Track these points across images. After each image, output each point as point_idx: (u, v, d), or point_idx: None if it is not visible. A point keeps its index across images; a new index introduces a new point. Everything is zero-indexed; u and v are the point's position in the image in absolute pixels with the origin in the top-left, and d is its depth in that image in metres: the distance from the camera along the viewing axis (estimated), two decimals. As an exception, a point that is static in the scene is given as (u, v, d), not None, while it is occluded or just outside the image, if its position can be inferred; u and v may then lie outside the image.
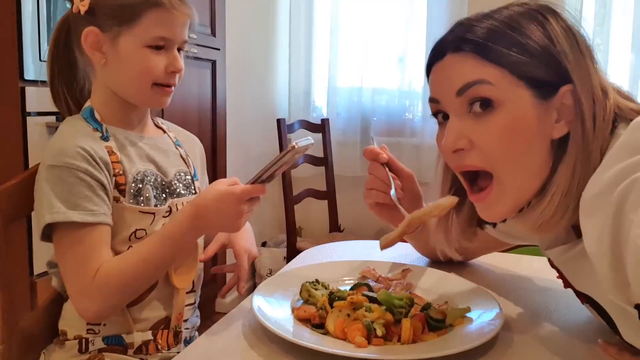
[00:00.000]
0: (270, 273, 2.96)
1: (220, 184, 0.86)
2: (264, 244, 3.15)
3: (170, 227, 0.88)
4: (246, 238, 1.08)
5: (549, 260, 0.82)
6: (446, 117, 0.73)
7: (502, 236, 0.92)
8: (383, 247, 0.80)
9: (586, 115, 0.67)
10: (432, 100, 0.74)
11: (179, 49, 0.96)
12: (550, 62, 0.68)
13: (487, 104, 0.68)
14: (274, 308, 0.81)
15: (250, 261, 1.06)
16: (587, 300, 0.75)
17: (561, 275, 0.81)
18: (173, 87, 0.97)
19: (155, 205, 0.95)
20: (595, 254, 0.61)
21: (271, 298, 0.84)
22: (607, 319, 0.73)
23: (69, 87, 1.00)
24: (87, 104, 0.97)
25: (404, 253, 1.16)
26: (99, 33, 0.92)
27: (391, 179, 0.91)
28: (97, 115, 0.95)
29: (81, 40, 0.92)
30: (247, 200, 0.85)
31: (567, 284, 0.80)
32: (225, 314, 0.85)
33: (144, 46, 0.91)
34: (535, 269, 1.07)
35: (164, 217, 0.96)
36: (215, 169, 2.42)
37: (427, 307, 0.79)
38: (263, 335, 0.76)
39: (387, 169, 0.92)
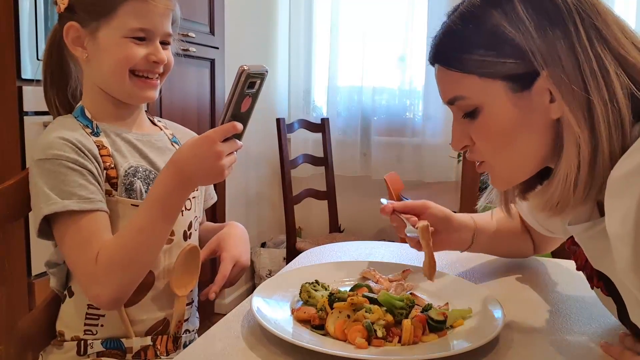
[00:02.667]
0: (269, 274, 2.96)
1: (194, 136, 0.86)
2: (263, 245, 3.15)
3: (154, 190, 0.87)
4: (237, 245, 1.04)
5: (568, 240, 0.81)
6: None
7: (536, 225, 0.97)
8: (432, 278, 0.85)
9: (568, 98, 0.65)
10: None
11: (165, 43, 0.95)
12: (516, 52, 0.66)
13: (470, 114, 0.72)
14: (273, 309, 0.81)
15: (238, 270, 1.01)
16: (601, 281, 0.74)
17: (576, 257, 0.80)
18: (158, 82, 0.96)
19: None
20: (617, 236, 0.60)
21: (270, 299, 0.83)
22: (618, 303, 0.72)
23: (60, 93, 1.00)
24: (79, 104, 0.97)
25: (404, 254, 1.15)
26: (79, 28, 0.92)
27: (404, 219, 0.92)
28: (87, 113, 0.95)
29: (63, 37, 0.93)
30: (224, 142, 0.82)
31: (579, 267, 0.79)
32: (224, 315, 0.84)
33: (123, 37, 0.91)
34: (537, 269, 1.06)
35: None
36: (215, 168, 2.41)
37: (427, 308, 0.79)
38: (262, 336, 0.75)
39: (400, 215, 0.93)
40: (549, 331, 0.80)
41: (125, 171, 0.93)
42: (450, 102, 0.74)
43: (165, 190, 0.85)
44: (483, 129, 0.72)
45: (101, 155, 0.91)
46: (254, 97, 0.83)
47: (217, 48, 2.37)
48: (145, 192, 0.94)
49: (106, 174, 0.91)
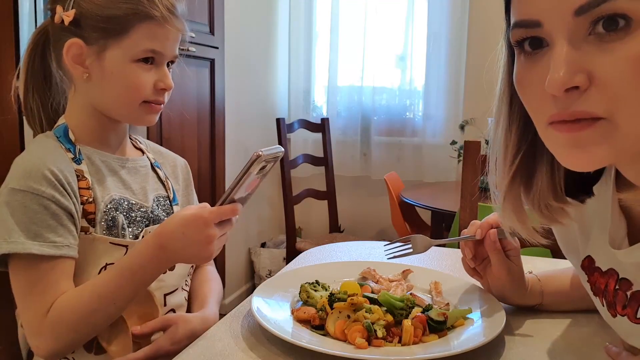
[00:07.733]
0: (269, 274, 2.96)
1: (187, 209, 0.80)
2: (263, 245, 3.15)
3: (129, 258, 0.80)
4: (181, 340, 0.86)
5: (585, 260, 0.71)
6: (537, 45, 0.52)
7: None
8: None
9: None
10: (526, 25, 0.52)
11: (168, 65, 0.91)
12: None
13: (616, 24, 0.47)
14: (273, 309, 0.81)
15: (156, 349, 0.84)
16: (629, 307, 0.63)
17: (594, 279, 0.69)
18: (162, 105, 0.91)
19: (132, 236, 0.89)
20: None
21: (270, 299, 0.83)
22: None
23: (44, 104, 0.93)
24: (62, 121, 0.91)
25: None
26: (83, 45, 0.85)
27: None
28: (71, 135, 0.88)
29: (62, 53, 0.86)
30: (217, 224, 0.78)
31: (598, 292, 0.69)
32: (224, 315, 0.84)
33: (132, 61, 0.85)
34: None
35: None
36: (214, 169, 2.41)
37: (428, 308, 0.79)
38: (262, 336, 0.76)
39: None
40: (549, 331, 0.80)
41: (107, 205, 0.87)
42: (592, 5, 0.47)
43: (140, 260, 0.80)
44: (635, 58, 0.47)
45: (79, 188, 0.84)
46: (263, 177, 0.80)
47: (217, 48, 2.37)
48: (129, 227, 0.89)
49: (83, 209, 0.84)
